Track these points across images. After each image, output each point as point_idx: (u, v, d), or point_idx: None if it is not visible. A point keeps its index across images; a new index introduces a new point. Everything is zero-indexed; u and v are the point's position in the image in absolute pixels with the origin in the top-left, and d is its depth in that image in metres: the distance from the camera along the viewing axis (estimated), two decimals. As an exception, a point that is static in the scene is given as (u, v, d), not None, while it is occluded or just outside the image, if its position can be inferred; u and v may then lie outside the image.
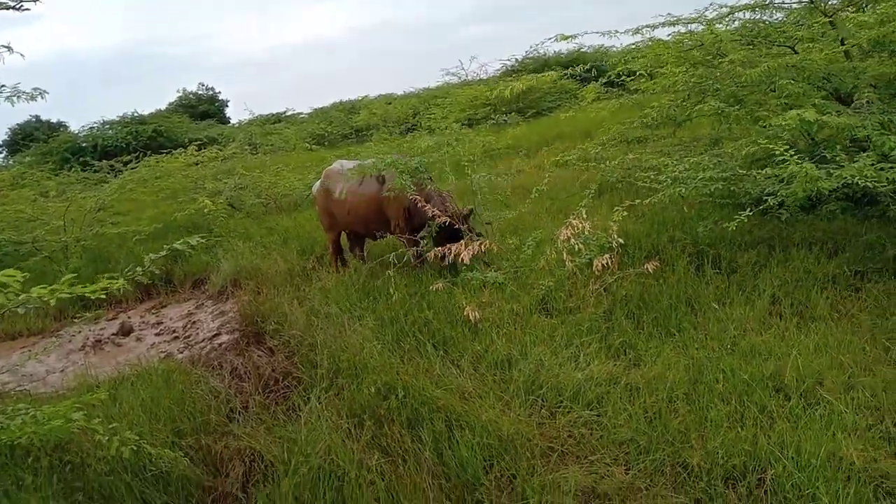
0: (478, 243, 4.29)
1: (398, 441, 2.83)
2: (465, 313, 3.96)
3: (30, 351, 5.71)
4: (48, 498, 2.78)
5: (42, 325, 6.39)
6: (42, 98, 3.02)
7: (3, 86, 3.05)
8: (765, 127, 4.72)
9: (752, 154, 4.34)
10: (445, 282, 4.51)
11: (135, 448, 2.82)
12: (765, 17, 6.08)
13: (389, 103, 19.19)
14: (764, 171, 3.93)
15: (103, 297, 2.34)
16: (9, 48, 2.84)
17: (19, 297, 1.89)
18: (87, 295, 2.32)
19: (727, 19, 5.69)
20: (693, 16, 5.79)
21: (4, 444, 2.73)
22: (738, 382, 2.97)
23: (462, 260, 4.45)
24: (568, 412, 3.00)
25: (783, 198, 3.87)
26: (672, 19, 5.76)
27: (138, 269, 2.50)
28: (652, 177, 4.51)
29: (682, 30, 5.88)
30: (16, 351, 5.88)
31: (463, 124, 11.57)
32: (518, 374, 3.31)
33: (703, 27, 5.57)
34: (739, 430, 2.64)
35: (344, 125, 18.48)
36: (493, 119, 12.52)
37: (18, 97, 2.97)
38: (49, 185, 10.24)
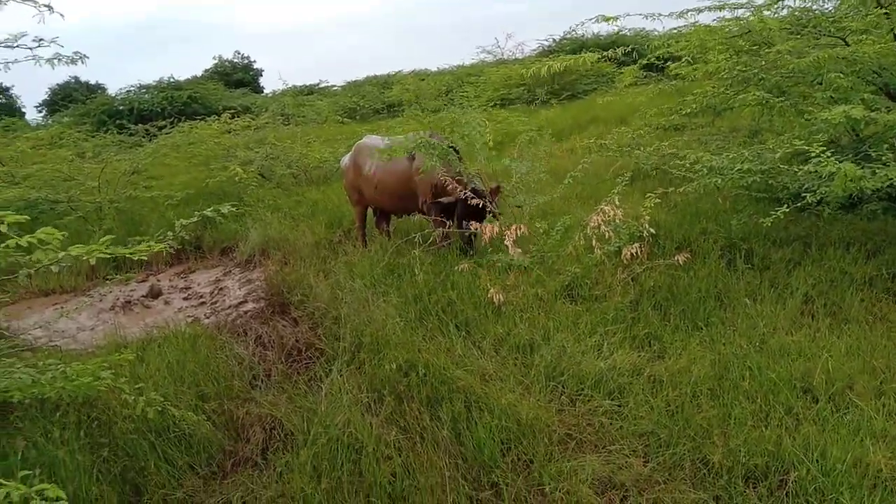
0: (514, 227, 4.25)
1: (417, 418, 2.84)
2: (488, 295, 3.94)
3: (62, 308, 5.86)
4: (75, 451, 2.86)
5: (75, 284, 6.55)
6: (83, 62, 3.04)
7: (43, 41, 3.06)
8: (809, 120, 4.58)
9: (787, 152, 4.20)
10: (470, 262, 4.50)
11: (159, 409, 2.88)
12: (815, 6, 5.86)
13: (423, 79, 19.03)
14: (804, 168, 3.82)
15: (144, 258, 2.37)
16: (49, 7, 2.84)
17: (59, 255, 1.91)
18: (128, 256, 2.35)
19: (776, 6, 5.50)
20: (741, 1, 5.61)
21: (35, 398, 2.80)
22: (764, 381, 2.91)
23: (486, 240, 4.42)
24: (588, 400, 2.98)
25: (823, 195, 3.75)
26: (718, 4, 5.58)
27: (169, 233, 2.52)
28: (688, 165, 4.40)
29: (728, 15, 5.70)
30: (48, 307, 6.04)
31: (495, 104, 11.44)
32: (540, 360, 3.29)
33: (750, 13, 5.39)
34: (764, 429, 2.59)
35: (376, 100, 18.44)
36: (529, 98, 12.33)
37: (59, 60, 2.99)
38: (86, 147, 10.39)
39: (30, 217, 7.15)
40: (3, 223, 1.91)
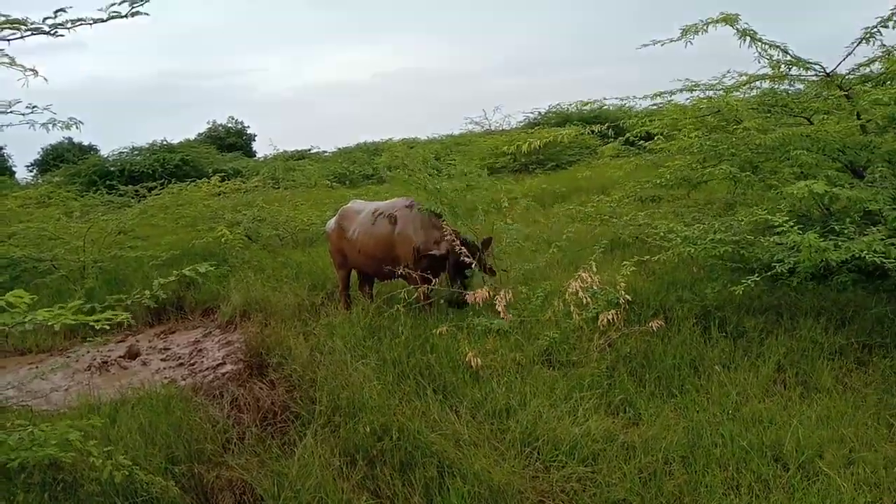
0: (504, 291, 4.34)
1: (388, 483, 2.81)
2: (467, 359, 3.96)
3: (37, 368, 5.78)
4: (38, 515, 2.79)
5: (52, 343, 6.48)
6: (77, 128, 3.15)
7: (36, 107, 3.17)
8: (778, 194, 4.77)
9: (761, 221, 4.36)
10: (450, 325, 4.53)
11: (127, 473, 2.83)
12: (783, 87, 6.20)
13: (412, 147, 19.51)
14: (772, 239, 3.96)
15: (107, 327, 2.38)
16: (34, 71, 2.94)
17: (25, 319, 1.94)
18: (91, 323, 2.37)
19: (745, 87, 5.82)
20: (711, 82, 5.93)
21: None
22: (736, 449, 2.93)
23: (478, 303, 4.47)
24: (562, 467, 2.96)
25: (792, 265, 3.87)
26: (690, 85, 5.90)
27: (147, 292, 2.56)
28: (661, 234, 4.54)
29: (701, 95, 6.01)
30: (24, 367, 5.95)
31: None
32: (515, 425, 3.29)
33: (720, 94, 5.69)
34: (734, 497, 2.59)
35: (366, 165, 18.81)
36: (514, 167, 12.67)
37: (54, 125, 3.10)
38: (74, 206, 10.49)
39: (11, 276, 7.19)
40: None
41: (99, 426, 3.23)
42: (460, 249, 4.82)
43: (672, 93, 5.91)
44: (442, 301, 5.23)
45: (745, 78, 5.78)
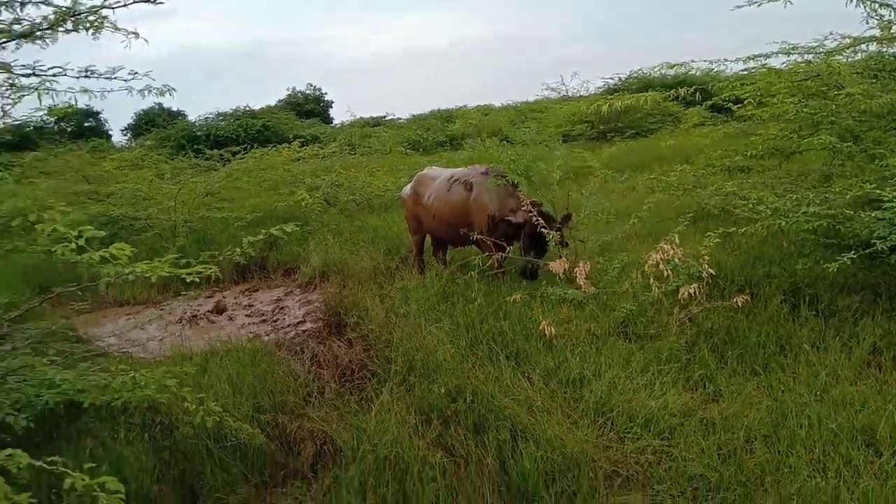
0: (583, 263, 4.30)
1: (462, 443, 2.87)
2: (540, 328, 3.96)
3: (134, 318, 6.21)
4: (139, 452, 3.03)
5: (147, 296, 6.94)
6: (170, 94, 3.29)
7: (137, 73, 3.33)
8: (883, 166, 4.44)
9: (863, 195, 4.08)
10: (524, 294, 4.53)
11: (217, 419, 3.02)
12: (892, 51, 5.72)
13: (486, 114, 19.35)
14: (875, 214, 3.70)
15: (197, 280, 2.50)
16: (136, 34, 3.08)
17: (126, 270, 2.08)
18: (183, 276, 2.51)
19: (849, 51, 5.40)
20: (811, 45, 5.54)
21: (105, 402, 2.99)
22: (824, 431, 2.81)
23: (559, 274, 4.44)
24: (637, 439, 2.94)
25: (894, 242, 3.62)
26: (787, 48, 5.53)
27: (237, 249, 2.68)
28: (751, 206, 4.32)
29: (798, 59, 5.63)
30: (122, 317, 6.41)
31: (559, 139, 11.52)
32: (589, 395, 3.28)
33: (820, 58, 5.31)
34: (820, 480, 2.50)
35: (440, 132, 18.81)
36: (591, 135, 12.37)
37: (150, 91, 3.26)
38: (165, 168, 11.04)
39: (110, 233, 7.69)
40: (82, 237, 2.09)
41: (192, 374, 3.44)
42: (538, 220, 4.77)
43: (767, 56, 5.57)
44: (513, 270, 5.22)
45: (849, 41, 5.37)
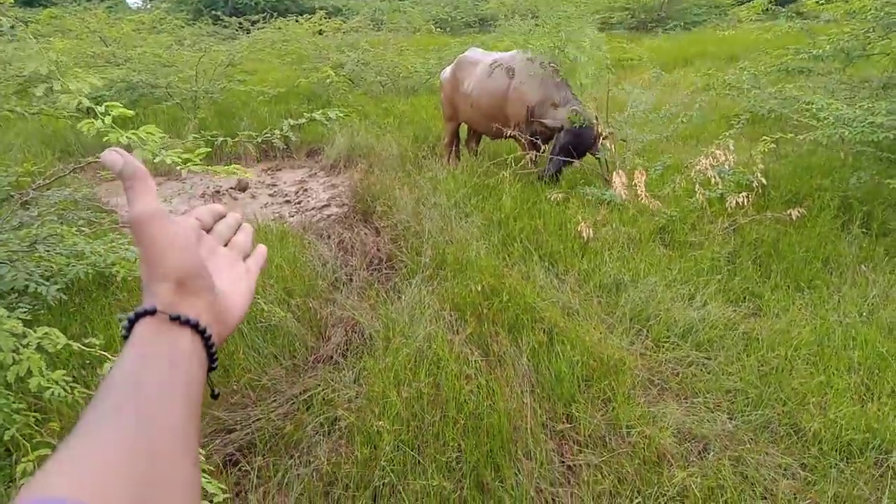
0: (641, 172, 4.08)
1: (498, 342, 2.83)
2: (577, 229, 3.82)
3: (158, 190, 6.12)
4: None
5: (168, 168, 6.79)
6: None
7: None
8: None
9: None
10: (561, 192, 4.35)
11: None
12: None
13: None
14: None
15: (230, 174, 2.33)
16: None
17: (156, 158, 1.92)
18: (216, 172, 2.35)
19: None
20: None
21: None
22: (871, 354, 2.73)
23: (616, 189, 4.21)
24: (675, 349, 2.88)
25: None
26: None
27: (276, 132, 2.50)
28: (814, 111, 4.02)
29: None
30: (145, 188, 6.32)
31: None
32: (626, 301, 3.20)
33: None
34: (866, 404, 2.44)
35: (469, 12, 17.76)
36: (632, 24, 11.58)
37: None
38: (184, 34, 10.54)
39: (130, 100, 7.43)
40: (109, 115, 1.92)
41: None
42: (586, 123, 4.48)
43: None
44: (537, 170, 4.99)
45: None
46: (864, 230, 3.89)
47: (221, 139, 2.40)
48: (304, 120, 2.43)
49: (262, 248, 0.71)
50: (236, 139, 2.42)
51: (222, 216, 0.68)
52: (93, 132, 2.10)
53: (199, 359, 0.54)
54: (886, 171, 4.24)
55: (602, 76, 4.87)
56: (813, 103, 4.07)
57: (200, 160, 2.07)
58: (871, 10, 4.78)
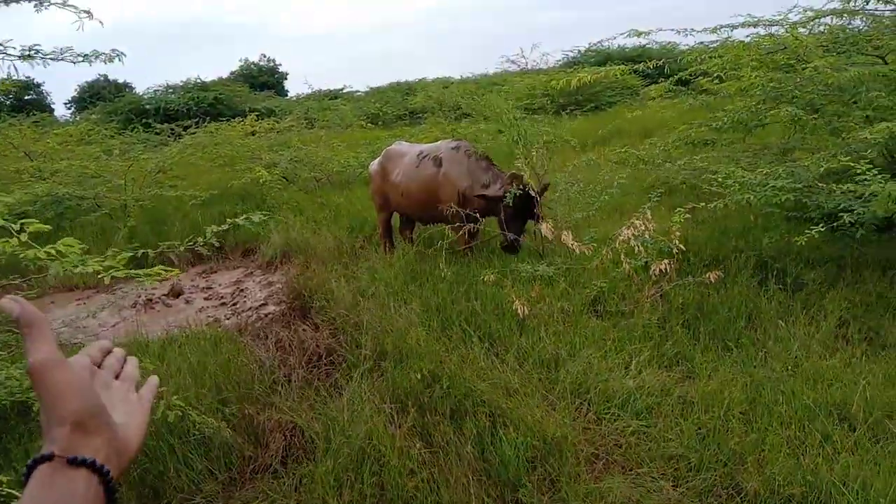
0: (568, 230, 4.26)
1: (441, 432, 2.79)
2: (513, 307, 3.88)
3: (85, 304, 5.91)
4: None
5: (97, 280, 6.58)
6: (119, 60, 3.04)
7: (88, 55, 3.08)
8: (843, 139, 4.48)
9: (830, 168, 4.12)
10: (495, 272, 4.44)
11: (180, 414, 2.85)
12: (852, 24, 5.77)
13: (446, 87, 19.07)
14: (843, 187, 3.73)
15: (157, 282, 2.33)
16: (89, 13, 2.85)
17: (76, 269, 1.90)
18: (142, 280, 2.33)
19: (811, 24, 5.42)
20: (775, 17, 5.53)
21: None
22: (799, 407, 2.83)
23: (550, 238, 4.39)
24: (615, 420, 2.90)
25: (860, 216, 3.66)
26: (752, 20, 5.51)
27: (199, 239, 2.50)
28: (720, 180, 4.32)
29: (763, 32, 5.63)
30: (72, 302, 6.08)
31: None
32: (565, 375, 3.23)
33: (784, 30, 5.31)
34: (800, 457, 2.50)
35: (399, 106, 18.48)
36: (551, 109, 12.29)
37: (97, 57, 3.00)
38: (113, 144, 10.52)
39: (56, 213, 7.28)
40: (25, 232, 1.90)
41: (150, 369, 3.25)
42: (525, 189, 4.69)
43: (732, 27, 5.55)
44: (483, 245, 5.13)
45: (811, 13, 5.38)
46: (780, 286, 4.11)
47: (142, 252, 2.37)
48: (225, 226, 2.44)
49: (153, 379, 0.77)
50: (158, 250, 2.39)
51: (110, 351, 0.74)
52: (9, 250, 2.05)
53: (97, 495, 0.57)
54: (795, 228, 4.55)
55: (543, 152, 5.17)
56: (718, 172, 4.37)
57: (125, 266, 2.04)
58: (758, 86, 5.27)
